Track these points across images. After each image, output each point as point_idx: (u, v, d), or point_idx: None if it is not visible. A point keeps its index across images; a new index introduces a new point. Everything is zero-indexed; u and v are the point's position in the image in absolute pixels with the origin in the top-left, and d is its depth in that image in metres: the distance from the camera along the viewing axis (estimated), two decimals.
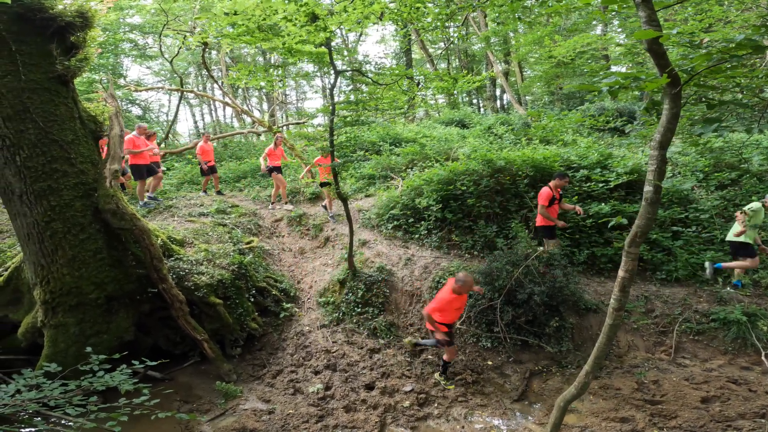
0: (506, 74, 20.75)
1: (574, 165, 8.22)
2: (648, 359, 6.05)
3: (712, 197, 7.52)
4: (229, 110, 27.57)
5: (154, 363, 3.50)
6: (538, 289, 6.15)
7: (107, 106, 5.65)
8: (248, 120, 19.11)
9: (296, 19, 4.96)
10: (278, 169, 9.13)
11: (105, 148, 5.80)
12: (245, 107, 24.25)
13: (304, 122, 10.80)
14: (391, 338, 6.25)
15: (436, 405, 5.27)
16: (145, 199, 8.44)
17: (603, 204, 7.36)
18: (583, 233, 7.31)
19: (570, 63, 15.99)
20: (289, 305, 6.66)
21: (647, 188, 2.73)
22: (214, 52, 20.66)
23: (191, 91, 15.62)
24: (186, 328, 5.37)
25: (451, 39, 17.50)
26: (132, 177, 9.95)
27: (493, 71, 16.85)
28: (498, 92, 23.64)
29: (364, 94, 7.08)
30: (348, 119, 6.38)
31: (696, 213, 7.33)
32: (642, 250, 7.05)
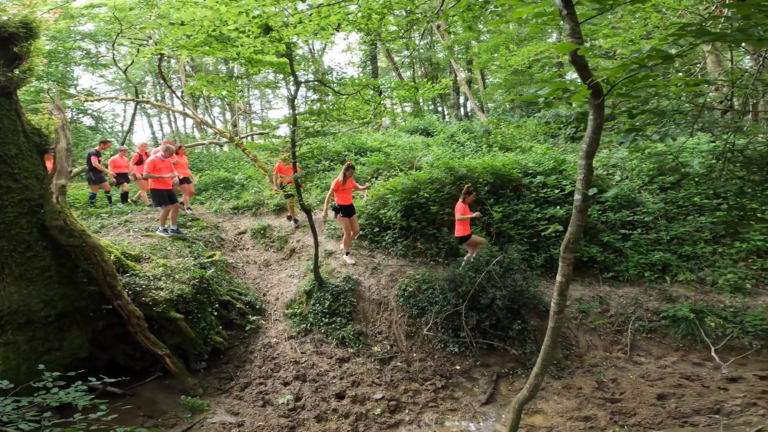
0: (469, 82, 21.29)
1: (531, 171, 8.55)
2: (606, 358, 6.31)
3: (657, 200, 8.02)
4: (190, 120, 26.86)
5: (112, 380, 3.46)
6: (500, 293, 6.33)
7: (53, 118, 5.40)
8: (210, 131, 18.68)
9: (249, 30, 4.94)
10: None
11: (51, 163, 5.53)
12: (206, 117, 23.70)
13: (266, 132, 10.66)
14: (360, 347, 6.29)
15: (407, 411, 5.32)
16: (168, 228, 7.56)
17: (558, 208, 7.70)
18: (541, 238, 7.59)
19: (526, 71, 16.59)
20: (255, 318, 6.57)
21: (576, 196, 2.81)
22: (173, 61, 20.11)
23: (147, 102, 15.11)
24: (145, 343, 5.23)
25: (415, 47, 17.82)
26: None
27: (452, 79, 17.25)
28: (462, 100, 24.21)
29: (327, 104, 7.10)
30: (310, 130, 6.38)
31: (642, 215, 7.78)
32: (595, 252, 7.42)
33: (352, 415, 5.11)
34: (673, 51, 2.10)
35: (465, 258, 7.24)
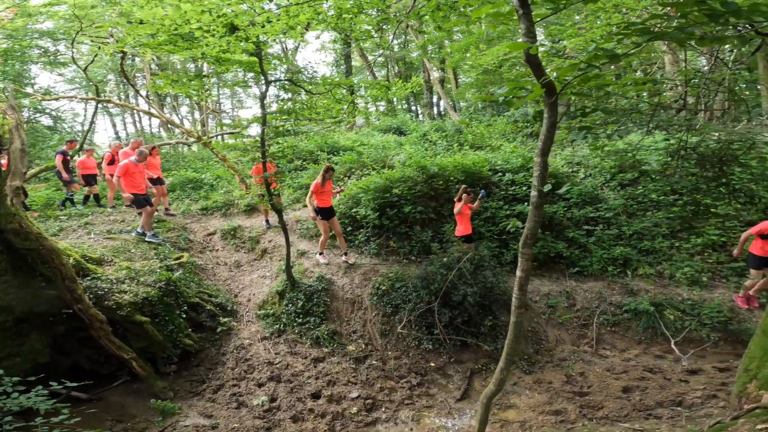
0: (442, 81, 21.47)
1: (500, 169, 8.74)
2: (574, 352, 6.44)
3: (618, 196, 8.34)
4: (156, 119, 26.02)
5: (74, 384, 3.45)
6: (471, 290, 6.43)
7: (7, 118, 5.16)
8: (178, 130, 18.16)
9: (214, 29, 4.84)
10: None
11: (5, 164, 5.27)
12: (173, 117, 23.01)
13: (238, 132, 10.42)
14: (335, 346, 6.29)
15: (383, 409, 5.35)
16: (148, 233, 7.29)
17: (526, 204, 7.90)
18: (510, 235, 7.77)
19: (496, 70, 16.87)
20: (226, 319, 6.47)
21: (533, 193, 2.87)
22: (137, 59, 19.40)
23: (108, 101, 14.50)
24: (110, 347, 5.09)
25: (388, 47, 17.87)
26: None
27: (423, 78, 17.39)
28: (435, 99, 24.43)
29: (298, 104, 7.03)
30: (280, 129, 6.31)
31: (604, 212, 8.06)
32: (561, 248, 7.65)
33: (328, 415, 5.12)
34: (620, 50, 2.19)
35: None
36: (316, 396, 5.45)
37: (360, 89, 8.32)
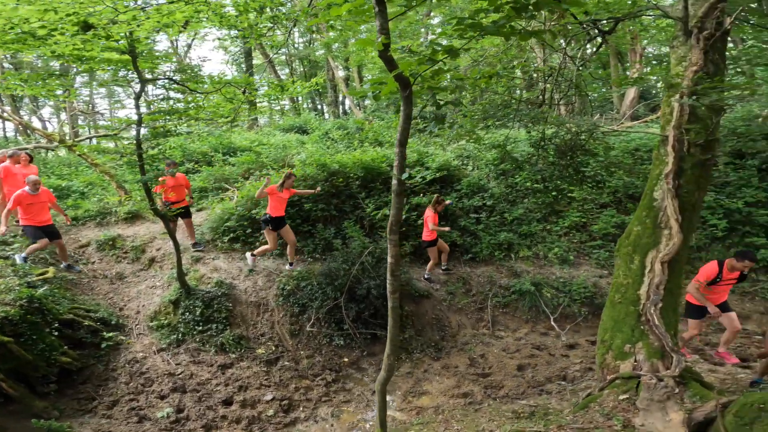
0: (347, 80, 21.55)
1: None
2: (474, 335, 6.86)
3: (498, 185, 9.19)
4: (10, 123, 22.10)
5: None
6: (374, 282, 6.60)
7: None
8: (38, 134, 15.65)
9: (63, 28, 4.34)
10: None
11: None
12: (32, 119, 19.86)
13: (113, 135, 9.27)
14: (243, 351, 6.09)
15: (301, 409, 5.33)
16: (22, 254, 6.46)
17: (422, 196, 8.36)
18: (410, 226, 8.14)
19: None
20: (111, 334, 5.99)
21: (393, 182, 3.01)
22: None
23: None
24: None
25: (283, 45, 17.36)
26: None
27: (322, 77, 17.29)
28: (341, 97, 24.46)
29: (181, 103, 6.60)
30: (159, 130, 5.92)
31: (489, 200, 8.78)
32: (455, 236, 8.21)
33: (244, 420, 5.01)
34: (457, 45, 2.45)
35: (428, 266, 7.62)
36: (227, 402, 5.29)
37: (257, 88, 8.04)
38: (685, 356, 4.70)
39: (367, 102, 23.30)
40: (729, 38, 5.13)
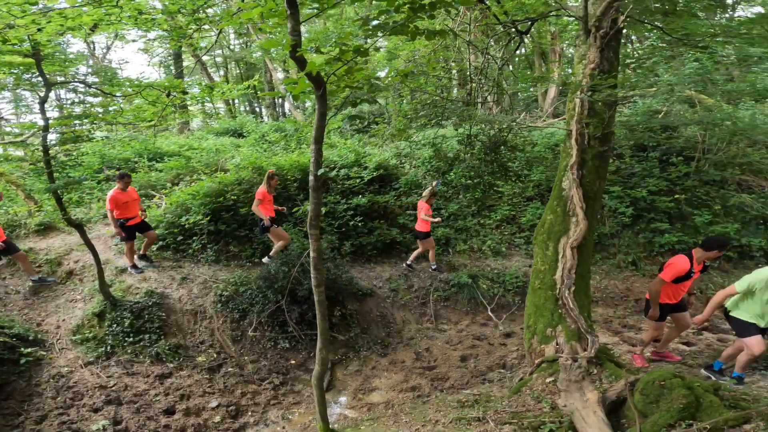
0: None
1: (335, 164, 9.13)
2: (419, 330, 7.01)
3: (438, 182, 9.51)
4: None
5: None
6: None
7: None
8: None
9: None
10: None
11: None
12: None
13: (21, 141, 8.40)
14: (181, 360, 5.85)
15: (250, 413, 5.22)
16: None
17: (361, 197, 8.45)
18: (349, 227, 8.19)
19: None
20: (30, 350, 5.55)
21: (310, 178, 3.07)
22: None
23: None
24: None
25: (211, 47, 16.68)
26: None
27: (257, 80, 16.86)
28: (279, 99, 23.95)
29: (96, 107, 6.20)
30: (68, 135, 5.55)
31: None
32: (395, 234, 8.40)
33: (189, 428, 4.84)
34: (367, 46, 2.57)
35: (414, 253, 7.90)
36: (169, 412, 5.07)
37: (184, 91, 7.68)
38: (645, 366, 4.74)
39: (308, 104, 23.04)
40: (634, 38, 5.65)
